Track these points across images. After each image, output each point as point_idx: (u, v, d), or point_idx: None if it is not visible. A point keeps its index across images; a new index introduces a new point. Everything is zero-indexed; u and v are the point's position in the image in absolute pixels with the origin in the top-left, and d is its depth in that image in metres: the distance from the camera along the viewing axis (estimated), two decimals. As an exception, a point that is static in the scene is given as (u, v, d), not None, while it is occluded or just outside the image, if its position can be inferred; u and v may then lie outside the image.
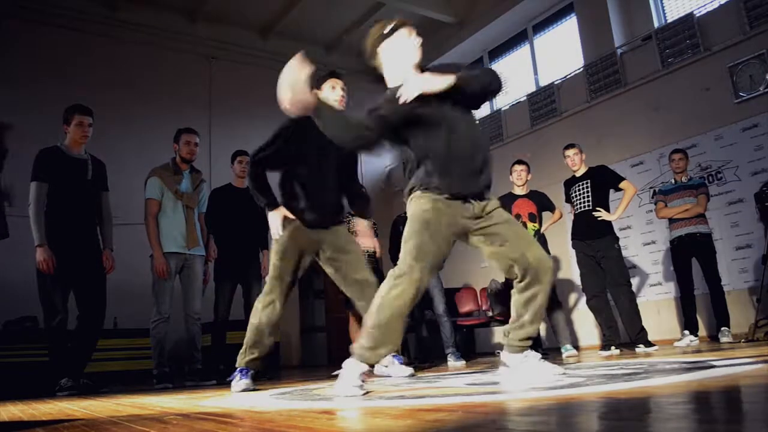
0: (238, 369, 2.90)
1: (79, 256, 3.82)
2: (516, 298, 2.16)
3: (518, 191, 4.99)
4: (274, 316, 2.91)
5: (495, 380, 2.21)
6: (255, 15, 8.75)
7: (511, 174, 5.02)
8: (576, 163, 4.71)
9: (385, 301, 2.00)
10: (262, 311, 2.92)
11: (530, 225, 4.89)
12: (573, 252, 4.74)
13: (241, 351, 2.95)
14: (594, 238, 4.50)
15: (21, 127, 6.78)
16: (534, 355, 2.17)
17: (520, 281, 2.13)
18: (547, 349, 4.97)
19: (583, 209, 4.60)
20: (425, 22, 8.90)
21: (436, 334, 5.23)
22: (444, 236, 2.09)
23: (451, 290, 7.23)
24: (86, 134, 3.93)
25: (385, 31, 2.20)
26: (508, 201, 4.97)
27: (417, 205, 2.12)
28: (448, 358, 4.96)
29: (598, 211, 4.51)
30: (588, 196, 4.59)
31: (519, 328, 2.16)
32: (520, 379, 2.10)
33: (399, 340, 2.08)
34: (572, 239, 4.70)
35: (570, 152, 4.73)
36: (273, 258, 2.96)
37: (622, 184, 4.62)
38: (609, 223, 4.52)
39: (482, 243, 2.17)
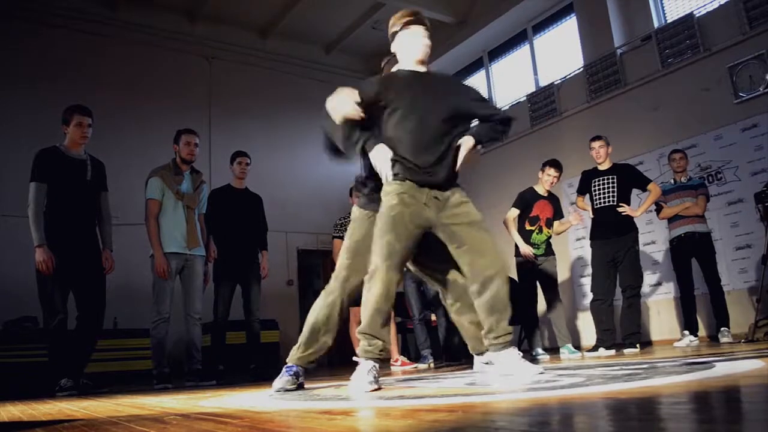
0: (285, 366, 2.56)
1: (78, 257, 3.81)
2: (476, 304, 2.27)
3: (542, 191, 4.95)
4: (334, 312, 2.52)
5: (486, 380, 2.21)
6: (255, 15, 8.75)
7: (542, 172, 4.94)
8: (601, 155, 4.67)
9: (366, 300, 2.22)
10: (322, 308, 2.54)
11: (546, 230, 4.88)
12: (574, 253, 4.74)
13: (294, 347, 2.59)
14: (616, 236, 4.49)
15: (21, 127, 6.81)
16: (516, 353, 2.23)
17: (470, 286, 2.26)
18: (547, 348, 4.98)
19: (606, 204, 4.58)
20: (425, 22, 8.89)
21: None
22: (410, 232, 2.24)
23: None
24: (86, 135, 3.92)
25: (404, 21, 2.38)
26: (530, 197, 4.93)
27: (384, 201, 2.26)
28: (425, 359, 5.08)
29: (622, 206, 4.52)
30: (613, 192, 4.58)
31: (492, 330, 2.23)
32: (501, 376, 2.17)
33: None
34: (591, 239, 4.68)
35: (596, 144, 4.70)
36: (344, 249, 2.57)
37: (649, 186, 4.64)
38: (631, 220, 4.53)
39: (445, 240, 2.31)
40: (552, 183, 4.91)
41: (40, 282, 3.72)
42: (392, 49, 2.47)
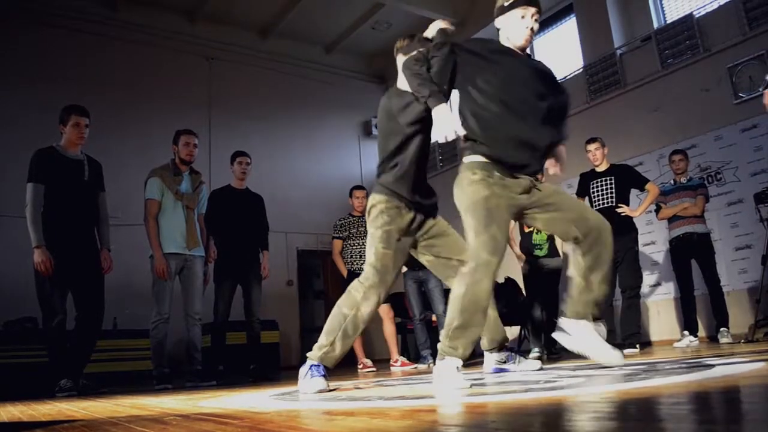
0: (312, 364, 2.36)
1: (77, 257, 3.81)
2: (580, 264, 2.23)
3: None
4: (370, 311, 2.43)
5: (499, 380, 2.21)
6: (255, 15, 8.76)
7: None
8: (598, 157, 4.69)
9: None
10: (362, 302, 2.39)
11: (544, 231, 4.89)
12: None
13: (319, 344, 2.40)
14: (615, 236, 4.49)
15: (20, 127, 6.81)
16: (595, 327, 2.21)
17: (582, 243, 2.22)
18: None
19: (605, 205, 4.59)
20: (425, 22, 8.88)
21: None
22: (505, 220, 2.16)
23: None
24: (83, 135, 3.91)
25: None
26: None
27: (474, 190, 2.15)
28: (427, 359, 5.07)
29: (621, 207, 4.52)
30: (612, 193, 4.59)
31: (586, 292, 2.21)
32: (579, 347, 2.15)
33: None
34: None
35: (592, 146, 4.72)
36: (378, 245, 2.41)
37: (647, 186, 4.65)
38: (631, 220, 4.54)
39: (537, 214, 2.26)
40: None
41: (39, 283, 3.72)
42: (497, 24, 2.38)
